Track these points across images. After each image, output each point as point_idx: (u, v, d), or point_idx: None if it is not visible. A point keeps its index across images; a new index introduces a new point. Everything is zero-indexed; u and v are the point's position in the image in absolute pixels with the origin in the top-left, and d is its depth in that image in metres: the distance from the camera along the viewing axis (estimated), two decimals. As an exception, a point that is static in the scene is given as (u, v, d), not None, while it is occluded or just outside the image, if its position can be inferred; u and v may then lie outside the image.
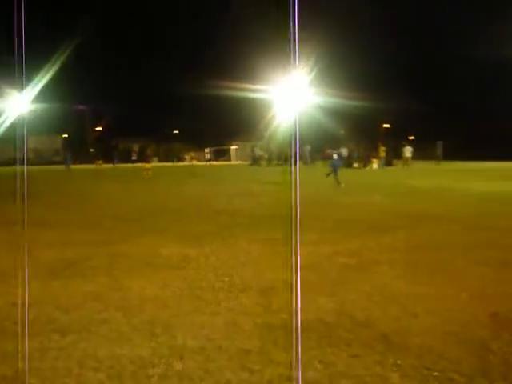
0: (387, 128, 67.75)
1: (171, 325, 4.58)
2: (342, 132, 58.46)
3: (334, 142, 51.53)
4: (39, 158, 68.19)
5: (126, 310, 5.03)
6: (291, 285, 5.38)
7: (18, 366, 3.79)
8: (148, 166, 32.98)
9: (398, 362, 3.79)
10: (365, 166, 43.70)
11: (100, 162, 62.16)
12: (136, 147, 79.00)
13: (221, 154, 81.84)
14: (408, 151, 46.40)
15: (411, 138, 62.30)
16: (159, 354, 3.96)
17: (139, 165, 46.15)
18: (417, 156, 49.51)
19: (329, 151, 21.20)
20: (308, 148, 51.02)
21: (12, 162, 47.59)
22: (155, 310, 5.01)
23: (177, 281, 6.09)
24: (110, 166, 58.79)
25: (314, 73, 36.47)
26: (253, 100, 53.46)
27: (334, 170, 20.51)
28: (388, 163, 46.26)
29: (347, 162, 43.01)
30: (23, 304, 5.14)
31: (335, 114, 50.85)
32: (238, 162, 68.69)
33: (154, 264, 6.96)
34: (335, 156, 22.29)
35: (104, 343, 4.19)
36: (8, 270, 6.63)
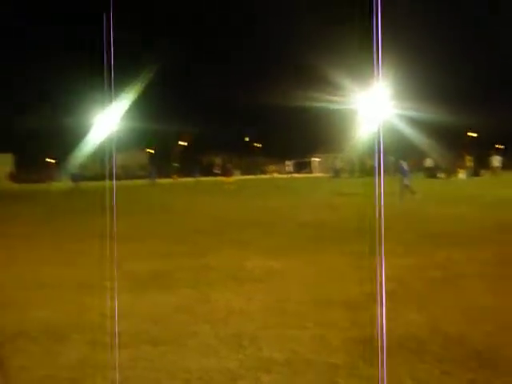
0: (473, 137, 65.87)
1: (258, 337, 4.60)
2: (426, 142, 57.19)
3: (418, 152, 50.49)
4: (126, 173, 70.44)
5: (213, 322, 5.09)
6: (378, 298, 5.30)
7: (110, 376, 3.91)
8: (230, 179, 33.54)
9: (492, 380, 3.65)
10: (450, 176, 42.57)
11: (175, 176, 63.62)
12: (219, 161, 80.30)
13: (302, 166, 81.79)
14: (496, 160, 44.81)
15: (499, 146, 60.25)
16: (246, 367, 3.99)
17: (221, 178, 46.76)
18: (507, 165, 47.74)
19: (401, 162, 20.77)
20: (391, 159, 50.22)
21: (100, 177, 49.32)
22: (242, 323, 5.04)
23: (262, 294, 6.12)
24: (191, 179, 59.79)
25: (396, 83, 35.96)
26: (335, 111, 53.32)
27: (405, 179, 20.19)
28: (475, 173, 44.88)
29: (432, 173, 42.06)
30: (114, 315, 5.32)
31: (419, 124, 49.83)
32: (320, 175, 68.43)
33: (239, 277, 7.02)
34: (404, 165, 21.82)
35: (193, 355, 4.26)
36: (99, 281, 6.86)
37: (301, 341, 4.51)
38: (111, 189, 23.96)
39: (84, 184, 47.06)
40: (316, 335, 4.65)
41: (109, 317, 5.31)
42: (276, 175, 66.73)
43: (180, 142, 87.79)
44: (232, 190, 30.76)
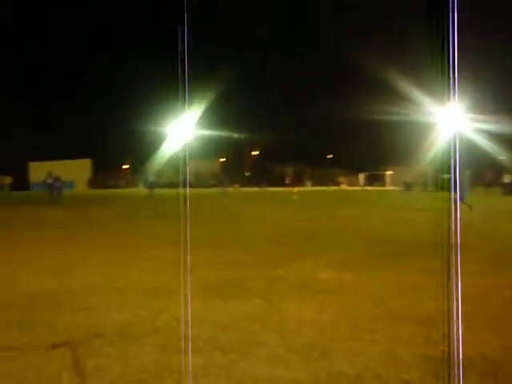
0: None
1: (328, 350, 4.56)
2: (504, 157, 55.27)
3: (495, 167, 48.96)
4: (198, 181, 71.59)
5: (283, 332, 5.09)
6: (451, 317, 5.15)
7: (182, 380, 3.97)
8: (294, 190, 33.86)
9: None
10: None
11: (237, 185, 64.19)
12: (290, 171, 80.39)
13: (375, 178, 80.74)
14: None
15: None
16: (316, 379, 3.96)
17: (288, 189, 46.74)
18: None
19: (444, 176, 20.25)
20: (467, 173, 48.80)
21: (174, 185, 50.10)
22: (312, 334, 5.01)
23: (333, 306, 6.06)
24: (256, 189, 60.12)
25: (473, 95, 35.05)
26: (410, 124, 52.42)
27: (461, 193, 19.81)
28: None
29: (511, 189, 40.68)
30: (186, 321, 5.41)
31: (497, 137, 48.28)
32: (392, 188, 67.34)
33: (310, 288, 6.99)
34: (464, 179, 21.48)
35: (262, 364, 4.26)
36: (172, 287, 6.99)
37: (372, 355, 4.44)
38: (184, 196, 24.38)
39: (158, 191, 48.14)
40: (387, 350, 4.57)
41: (181, 322, 5.40)
42: (343, 187, 65.69)
43: (253, 152, 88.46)
44: (299, 201, 30.75)
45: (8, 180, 59.23)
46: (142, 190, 47.70)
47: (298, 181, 40.02)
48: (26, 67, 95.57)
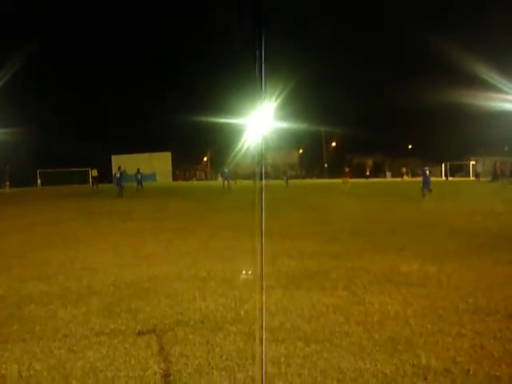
0: None
1: (414, 343, 4.46)
2: None
3: None
4: (275, 172, 71.65)
5: (367, 324, 5.01)
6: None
7: (265, 369, 3.97)
8: (346, 179, 34.29)
9: None
10: None
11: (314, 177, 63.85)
12: (370, 162, 79.24)
13: (458, 169, 78.20)
14: None
15: None
16: (402, 372, 3.87)
17: (371, 180, 46.05)
18: None
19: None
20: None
21: (251, 177, 50.48)
22: (397, 327, 4.91)
23: (418, 299, 5.91)
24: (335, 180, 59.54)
25: None
26: (494, 112, 50.52)
27: None
28: None
29: None
30: (268, 310, 5.43)
31: None
32: (476, 179, 64.97)
33: (393, 280, 6.84)
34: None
35: (346, 355, 4.21)
36: (253, 276, 7.03)
37: (459, 349, 4.30)
38: (261, 188, 24.46)
39: (237, 182, 48.63)
40: (475, 344, 4.41)
41: (263, 311, 5.43)
42: (406, 178, 62.94)
43: (332, 143, 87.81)
44: (346, 190, 30.65)
45: (95, 172, 61.23)
46: (220, 181, 48.16)
47: (347, 171, 39.32)
48: (111, 64, 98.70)
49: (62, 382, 3.87)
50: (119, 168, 28.48)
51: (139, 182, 42.01)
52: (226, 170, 45.02)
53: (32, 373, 4.05)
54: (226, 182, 42.10)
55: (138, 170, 43.17)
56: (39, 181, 72.15)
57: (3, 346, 4.64)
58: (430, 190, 24.60)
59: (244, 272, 7.39)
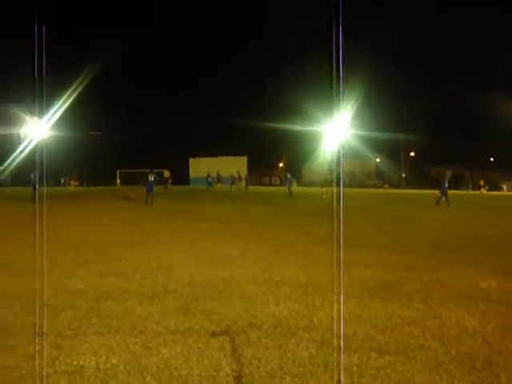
0: None
1: (493, 362, 4.29)
2: None
3: None
4: (351, 180, 71.11)
5: (444, 339, 4.86)
6: None
7: (336, 378, 3.94)
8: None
9: None
10: None
11: (387, 185, 62.82)
12: (449, 173, 77.20)
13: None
14: None
15: None
16: (480, 391, 3.75)
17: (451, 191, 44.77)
18: None
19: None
20: None
21: (328, 184, 50.25)
22: (475, 344, 4.74)
23: (497, 316, 5.69)
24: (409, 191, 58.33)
25: None
26: None
27: None
28: None
29: None
30: (342, 319, 5.37)
31: None
32: None
33: (472, 296, 6.61)
34: None
35: (421, 369, 4.11)
36: (326, 284, 6.99)
37: (543, 372, 4.12)
38: (337, 195, 24.29)
39: (312, 189, 48.46)
40: (562, 368, 4.21)
41: (336, 319, 5.38)
42: (484, 191, 60.12)
43: (410, 153, 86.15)
44: (455, 207, 29.54)
45: (167, 174, 62.51)
46: (294, 188, 48.13)
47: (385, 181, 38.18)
48: (189, 67, 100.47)
49: (138, 377, 3.96)
50: (151, 172, 28.87)
51: (209, 184, 44.16)
52: (289, 176, 45.16)
53: (109, 366, 4.17)
54: (288, 188, 42.37)
55: (208, 174, 44.90)
56: (118, 180, 74.27)
57: (82, 338, 4.80)
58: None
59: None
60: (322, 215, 16.70)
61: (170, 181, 58.93)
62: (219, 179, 59.83)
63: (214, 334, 4.92)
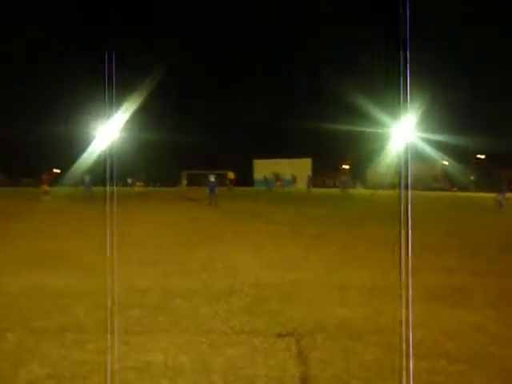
0: None
1: None
2: None
3: None
4: (417, 183, 69.66)
5: (516, 347, 4.71)
6: None
7: (405, 383, 3.87)
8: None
9: None
10: None
11: (455, 188, 60.88)
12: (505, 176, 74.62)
13: None
14: None
15: None
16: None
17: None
18: None
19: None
20: None
21: (392, 187, 49.58)
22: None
23: None
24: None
25: None
26: None
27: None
28: None
29: None
30: (408, 323, 5.27)
31: None
32: None
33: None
34: None
35: (493, 378, 4.00)
36: (391, 288, 6.87)
37: None
38: (404, 199, 23.85)
39: (379, 192, 47.85)
40: None
41: (403, 324, 5.28)
42: None
43: (478, 156, 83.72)
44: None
45: (231, 175, 63.00)
46: (359, 190, 47.75)
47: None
48: (261, 69, 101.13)
49: (204, 375, 4.00)
50: (212, 176, 28.89)
51: (267, 185, 44.90)
52: (344, 179, 45.11)
53: (176, 363, 4.23)
54: (344, 190, 42.42)
55: (265, 176, 45.54)
56: (184, 181, 75.48)
57: (151, 336, 4.89)
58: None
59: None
60: (386, 217, 16.44)
61: (233, 182, 59.46)
62: (278, 180, 59.92)
63: (279, 336, 4.93)
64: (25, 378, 3.96)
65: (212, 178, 28.11)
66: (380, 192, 44.99)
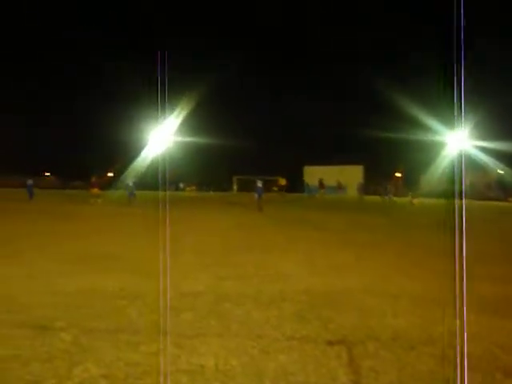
0: None
1: None
2: None
3: None
4: (472, 192, 68.26)
5: None
6: None
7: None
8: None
9: None
10: None
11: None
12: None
13: None
14: None
15: None
16: None
17: None
18: None
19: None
20: None
21: (448, 195, 48.74)
22: None
23: None
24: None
25: None
26: None
27: None
28: None
29: None
30: (463, 336, 5.16)
31: None
32: None
33: None
34: None
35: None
36: (445, 298, 6.74)
37: None
38: (458, 207, 23.33)
39: (428, 200, 47.06)
40: None
41: (457, 335, 5.18)
42: None
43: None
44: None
45: (283, 181, 63.13)
46: (410, 198, 47.01)
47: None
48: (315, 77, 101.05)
49: (256, 380, 4.02)
50: (259, 181, 28.84)
51: (310, 192, 45.77)
52: (388, 187, 44.97)
53: (228, 367, 4.26)
54: (385, 197, 42.39)
55: (307, 183, 46.26)
56: (235, 187, 75.98)
57: (202, 339, 4.94)
58: None
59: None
60: (438, 226, 16.11)
61: (284, 188, 59.66)
62: (322, 187, 59.73)
63: (330, 343, 4.90)
64: (79, 376, 4.05)
65: (259, 184, 28.28)
66: (416, 200, 44.47)
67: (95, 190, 32.02)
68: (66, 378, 4.02)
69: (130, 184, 32.24)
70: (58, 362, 4.33)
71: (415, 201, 39.74)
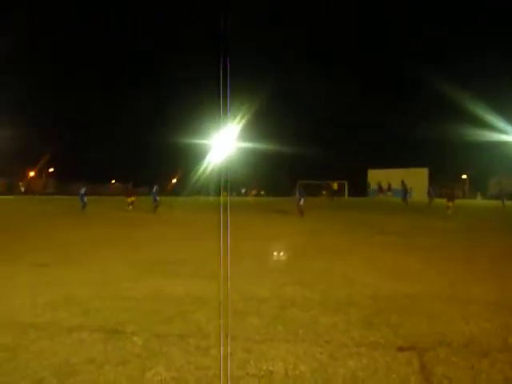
0: None
1: None
2: None
3: None
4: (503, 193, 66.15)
5: None
6: None
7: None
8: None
9: None
10: None
11: None
12: None
13: None
14: None
15: None
16: None
17: None
18: None
19: None
20: None
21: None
22: None
23: None
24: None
25: None
26: None
27: None
28: None
29: None
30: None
31: None
32: None
33: None
34: None
35: None
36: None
37: None
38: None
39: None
40: None
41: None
42: None
43: None
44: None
45: (335, 186, 62.73)
46: (480, 201, 45.85)
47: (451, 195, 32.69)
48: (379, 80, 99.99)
49: (326, 386, 4.00)
50: (299, 185, 28.67)
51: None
52: (409, 188, 44.63)
53: (297, 373, 4.25)
54: (404, 199, 42.24)
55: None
56: (296, 191, 75.88)
57: (270, 345, 4.95)
58: None
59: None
60: (503, 229, 15.68)
61: (336, 193, 59.36)
62: (381, 190, 59.03)
63: (400, 349, 4.82)
64: (151, 379, 4.13)
65: (300, 188, 28.53)
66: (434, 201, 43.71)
67: (131, 198, 32.64)
68: (139, 381, 4.11)
69: (154, 190, 31.93)
70: (131, 365, 4.42)
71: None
